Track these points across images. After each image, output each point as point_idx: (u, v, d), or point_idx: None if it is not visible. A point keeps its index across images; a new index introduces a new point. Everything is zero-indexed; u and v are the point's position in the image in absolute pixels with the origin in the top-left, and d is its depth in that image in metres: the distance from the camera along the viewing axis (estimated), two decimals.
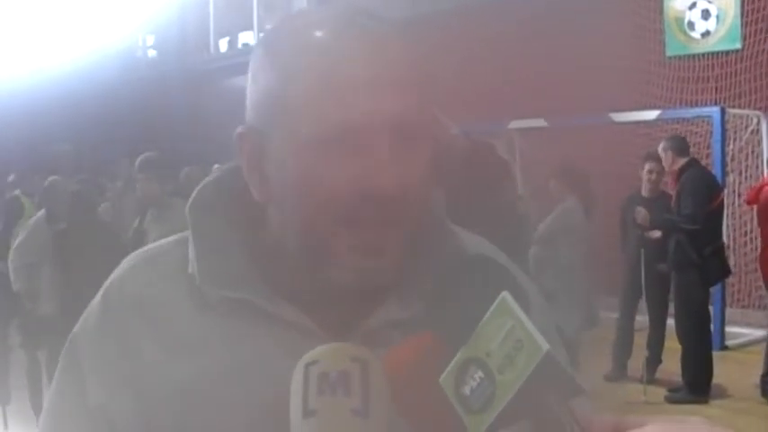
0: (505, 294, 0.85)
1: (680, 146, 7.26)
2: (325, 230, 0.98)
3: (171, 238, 1.15)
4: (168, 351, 1.04)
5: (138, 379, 1.04)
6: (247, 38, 17.51)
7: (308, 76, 0.97)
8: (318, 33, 0.99)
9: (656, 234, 7.18)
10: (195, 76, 17.10)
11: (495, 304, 0.85)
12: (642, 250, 7.19)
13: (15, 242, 6.72)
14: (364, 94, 0.95)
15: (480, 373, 0.84)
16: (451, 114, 4.60)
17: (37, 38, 17.31)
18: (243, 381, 1.01)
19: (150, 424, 1.03)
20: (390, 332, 1.02)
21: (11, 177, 9.73)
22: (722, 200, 7.44)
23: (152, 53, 19.35)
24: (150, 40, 19.19)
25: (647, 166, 7.48)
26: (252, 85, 1.04)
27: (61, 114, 14.21)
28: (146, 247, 1.16)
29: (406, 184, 0.96)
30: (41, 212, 6.84)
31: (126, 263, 1.14)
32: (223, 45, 18.22)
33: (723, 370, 7.59)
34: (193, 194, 1.12)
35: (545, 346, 0.80)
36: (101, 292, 1.12)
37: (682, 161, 7.15)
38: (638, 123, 9.98)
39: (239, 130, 1.05)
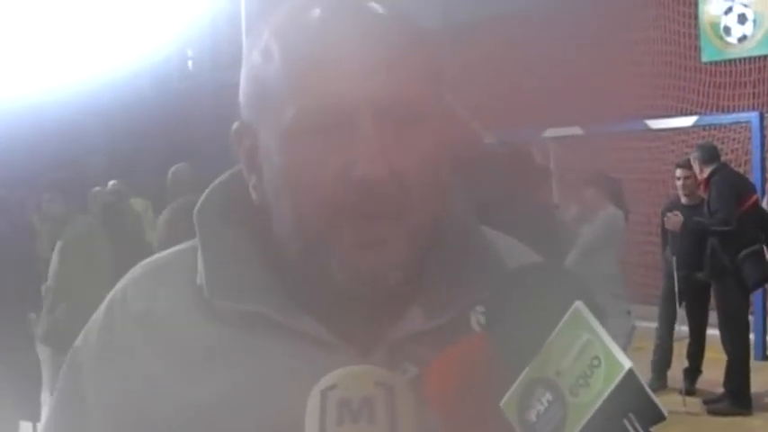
0: (579, 304, 0.75)
1: (707, 154, 7.22)
2: (319, 229, 0.89)
3: (179, 247, 1.05)
4: (177, 371, 0.93)
5: (146, 403, 0.94)
6: None
7: (290, 56, 0.89)
8: (310, 13, 0.91)
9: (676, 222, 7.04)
10: (229, 87, 17.18)
11: (567, 316, 0.75)
12: (674, 258, 7.10)
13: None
14: (349, 73, 0.87)
15: (549, 396, 0.74)
16: (486, 122, 4.55)
17: (70, 51, 17.44)
18: (261, 401, 0.91)
19: None
20: (415, 345, 0.92)
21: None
22: (756, 202, 7.29)
23: (185, 66, 19.42)
24: (183, 53, 19.28)
25: (677, 173, 7.47)
26: (242, 73, 0.95)
27: (94, 127, 14.28)
28: (153, 257, 1.06)
29: (400, 171, 0.87)
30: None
31: (130, 274, 1.04)
32: None
33: (766, 380, 7.43)
34: (201, 199, 1.02)
35: (627, 363, 0.71)
36: (104, 305, 1.02)
37: (709, 169, 7.10)
38: (674, 130, 9.86)
39: (234, 126, 0.97)
